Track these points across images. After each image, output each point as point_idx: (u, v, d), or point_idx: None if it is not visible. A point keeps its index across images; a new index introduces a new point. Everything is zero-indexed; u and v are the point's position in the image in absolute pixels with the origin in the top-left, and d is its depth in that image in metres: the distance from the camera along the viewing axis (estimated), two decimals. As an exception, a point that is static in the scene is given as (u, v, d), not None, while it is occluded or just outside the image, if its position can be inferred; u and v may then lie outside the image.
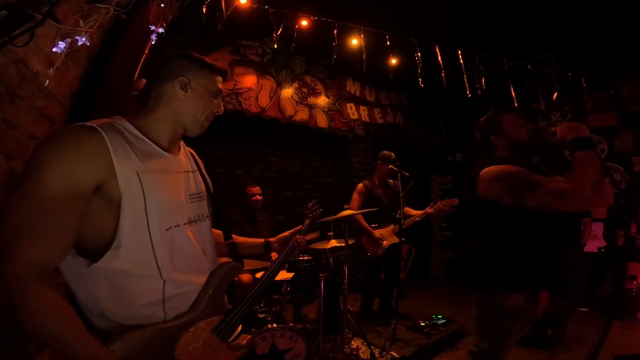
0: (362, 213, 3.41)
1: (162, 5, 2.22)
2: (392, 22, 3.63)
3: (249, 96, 4.58)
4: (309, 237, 1.40)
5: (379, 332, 3.37)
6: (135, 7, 1.55)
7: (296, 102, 4.96)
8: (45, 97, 1.27)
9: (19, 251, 0.70)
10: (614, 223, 4.47)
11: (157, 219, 0.85)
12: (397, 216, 3.40)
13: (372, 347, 2.81)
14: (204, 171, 1.13)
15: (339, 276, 3.19)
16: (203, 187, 1.07)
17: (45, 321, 0.70)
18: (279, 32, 3.25)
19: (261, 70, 4.70)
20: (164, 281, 0.86)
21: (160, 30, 2.17)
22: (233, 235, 1.21)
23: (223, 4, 2.87)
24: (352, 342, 2.99)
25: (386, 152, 3.68)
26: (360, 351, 2.86)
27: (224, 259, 1.09)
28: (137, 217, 0.82)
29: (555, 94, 4.19)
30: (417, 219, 3.59)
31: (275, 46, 3.47)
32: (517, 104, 3.93)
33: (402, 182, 3.47)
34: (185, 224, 0.94)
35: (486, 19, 4.14)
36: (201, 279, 0.96)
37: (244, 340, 0.99)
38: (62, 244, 0.76)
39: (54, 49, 1.15)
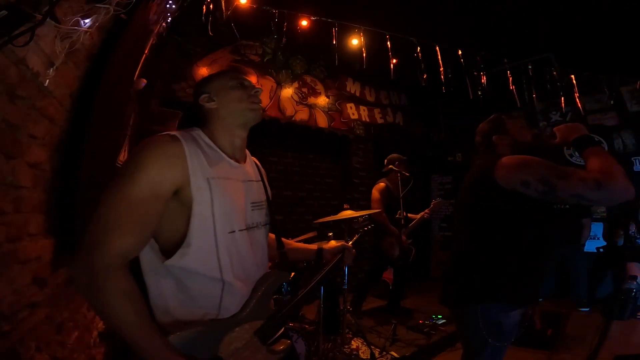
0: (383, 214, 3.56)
1: (162, 5, 2.22)
2: (392, 21, 3.63)
3: (249, 96, 4.57)
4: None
5: (379, 332, 3.37)
6: (135, 7, 1.55)
7: (296, 102, 4.96)
8: (45, 97, 1.27)
9: (110, 243, 0.80)
10: (614, 223, 4.47)
11: (221, 223, 0.93)
12: (396, 216, 3.47)
13: (372, 347, 2.81)
14: (266, 181, 1.21)
15: (339, 276, 3.19)
16: (264, 197, 1.15)
17: (121, 306, 0.79)
18: (281, 32, 3.25)
19: (261, 70, 4.70)
20: (223, 282, 0.93)
21: (161, 30, 2.17)
22: (286, 241, 1.29)
23: (223, 4, 2.87)
24: (352, 342, 2.99)
25: (396, 155, 3.75)
26: (360, 351, 2.86)
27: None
28: (205, 219, 0.91)
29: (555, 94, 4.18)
30: (416, 224, 3.78)
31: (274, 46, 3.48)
32: (518, 104, 3.93)
33: (402, 182, 3.49)
34: (244, 229, 1.01)
35: (486, 18, 4.14)
36: (252, 283, 1.02)
37: (282, 345, 1.01)
38: (142, 239, 0.87)
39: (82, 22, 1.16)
